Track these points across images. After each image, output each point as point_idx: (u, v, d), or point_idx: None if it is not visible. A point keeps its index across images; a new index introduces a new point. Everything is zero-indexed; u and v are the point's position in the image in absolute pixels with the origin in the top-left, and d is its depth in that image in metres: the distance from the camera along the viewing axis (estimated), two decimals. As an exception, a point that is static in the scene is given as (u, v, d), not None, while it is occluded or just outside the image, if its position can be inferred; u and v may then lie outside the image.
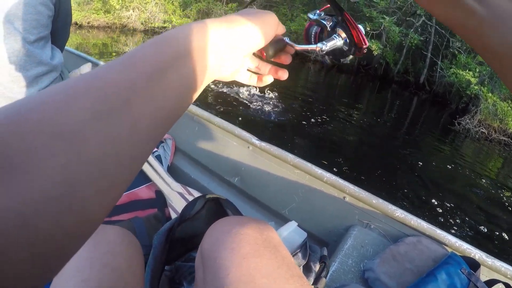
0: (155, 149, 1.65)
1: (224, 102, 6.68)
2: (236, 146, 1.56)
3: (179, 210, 1.42)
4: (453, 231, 3.80)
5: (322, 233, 1.35)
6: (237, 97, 7.08)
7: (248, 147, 1.52)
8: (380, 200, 1.27)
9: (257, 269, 0.54)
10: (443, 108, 11.62)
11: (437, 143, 7.87)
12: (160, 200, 1.47)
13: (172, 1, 15.82)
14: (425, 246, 1.21)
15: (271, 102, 7.13)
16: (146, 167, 1.50)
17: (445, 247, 1.24)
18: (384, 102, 11.04)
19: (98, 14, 14.82)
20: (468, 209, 4.67)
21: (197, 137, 1.69)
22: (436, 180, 5.54)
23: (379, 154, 6.02)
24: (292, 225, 1.09)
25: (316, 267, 0.98)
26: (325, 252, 1.05)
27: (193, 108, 1.71)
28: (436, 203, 4.50)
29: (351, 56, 0.55)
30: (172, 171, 1.64)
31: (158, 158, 1.61)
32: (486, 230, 4.13)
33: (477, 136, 9.28)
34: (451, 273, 1.09)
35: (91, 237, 0.62)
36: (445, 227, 3.78)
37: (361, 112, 8.09)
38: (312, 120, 6.85)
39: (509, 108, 9.60)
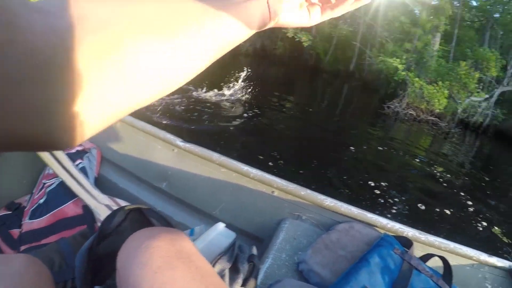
0: (80, 161, 1.61)
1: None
2: (161, 149, 1.55)
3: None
4: (393, 211, 4.00)
5: (255, 229, 1.37)
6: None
7: (173, 149, 1.51)
8: (309, 191, 1.30)
9: (169, 283, 0.53)
10: (372, 94, 12.49)
11: (369, 127, 8.31)
12: (88, 215, 1.45)
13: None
14: (357, 231, 1.24)
15: (197, 98, 6.95)
16: (70, 182, 1.47)
17: (378, 229, 1.28)
18: (316, 91, 11.49)
19: None
20: (403, 188, 4.94)
21: (122, 143, 1.66)
22: (371, 163, 5.79)
23: (314, 143, 6.10)
24: (219, 227, 1.10)
25: (245, 268, 0.99)
26: (254, 251, 1.07)
27: None
28: (373, 185, 4.69)
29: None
30: (100, 182, 1.61)
31: (83, 170, 1.58)
32: (424, 208, 4.39)
33: (406, 117, 10.18)
34: (384, 254, 1.11)
35: None
36: (383, 209, 3.96)
37: (293, 103, 8.23)
38: (244, 114, 6.78)
39: (434, 90, 10.47)
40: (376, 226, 1.29)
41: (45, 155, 1.53)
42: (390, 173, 5.39)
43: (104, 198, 1.48)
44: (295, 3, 0.45)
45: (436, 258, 1.18)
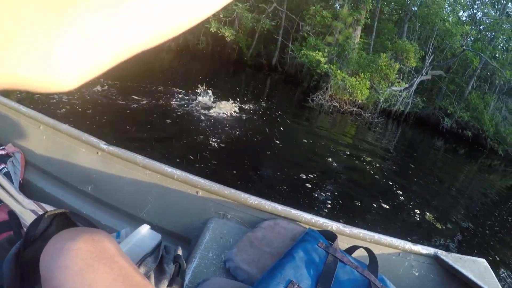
0: (3, 165, 1.53)
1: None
2: (85, 153, 1.51)
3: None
4: (320, 204, 4.07)
5: (182, 230, 1.38)
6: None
7: (97, 152, 1.48)
8: (232, 190, 1.33)
9: (91, 286, 0.53)
10: (295, 86, 12.94)
11: (294, 120, 8.50)
12: (13, 221, 1.38)
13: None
14: (282, 227, 1.27)
15: (109, 96, 6.53)
16: (-7, 188, 1.40)
17: (302, 225, 1.31)
18: (239, 85, 11.53)
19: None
20: (331, 180, 5.07)
21: (46, 147, 1.60)
22: (298, 156, 5.88)
23: (237, 138, 5.96)
24: (143, 229, 1.10)
25: (171, 268, 1.01)
26: (179, 252, 1.09)
27: (38, 116, 1.60)
28: (301, 179, 4.72)
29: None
30: (25, 187, 1.54)
31: (7, 175, 1.50)
32: (351, 199, 4.54)
33: (330, 110, 10.61)
34: (308, 249, 1.13)
35: None
36: (311, 202, 4.01)
37: (215, 97, 8.08)
38: (165, 111, 6.48)
39: (356, 82, 11.08)
40: (301, 222, 1.33)
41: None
42: (317, 166, 5.49)
43: (30, 203, 1.42)
44: None
45: (362, 249, 1.22)
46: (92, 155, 1.50)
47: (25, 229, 1.35)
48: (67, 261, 0.56)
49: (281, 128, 7.33)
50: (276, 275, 1.00)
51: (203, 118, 6.61)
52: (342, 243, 1.31)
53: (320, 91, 11.60)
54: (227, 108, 7.53)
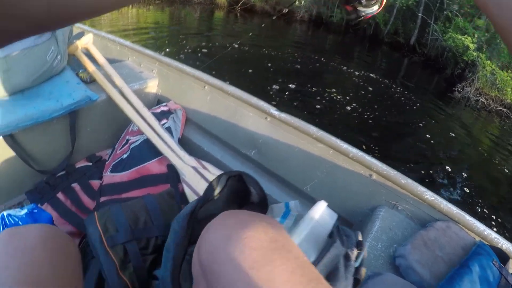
0: (165, 121, 1.55)
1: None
2: (252, 116, 1.46)
3: (193, 185, 1.34)
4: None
5: (346, 212, 1.26)
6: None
7: (266, 118, 1.42)
8: (409, 181, 1.18)
9: (269, 280, 0.46)
10: (436, 72, 11.23)
11: (434, 108, 7.57)
12: (172, 174, 1.38)
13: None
14: (454, 233, 1.15)
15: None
16: (156, 140, 1.41)
17: (472, 235, 1.18)
18: (374, 63, 10.65)
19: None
20: (467, 177, 4.57)
21: (210, 107, 1.59)
22: (437, 144, 5.39)
23: (372, 113, 5.79)
24: (322, 206, 0.96)
25: (353, 254, 0.86)
26: (360, 237, 0.93)
27: (204, 77, 1.60)
28: (436, 170, 4.39)
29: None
30: (183, 143, 1.54)
31: (168, 130, 1.51)
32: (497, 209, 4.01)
33: (477, 106, 8.93)
34: (484, 265, 1.03)
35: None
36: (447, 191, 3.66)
37: (351, 73, 7.72)
38: (303, 87, 6.51)
39: (508, 77, 9.35)
40: (473, 231, 1.18)
41: (130, 112, 1.48)
42: (456, 160, 5.03)
43: (190, 159, 1.40)
44: None
45: None
46: (260, 119, 1.44)
47: (183, 184, 1.33)
48: (237, 252, 0.50)
49: (418, 112, 6.74)
50: (454, 286, 0.94)
51: (336, 92, 6.45)
52: (511, 268, 1.13)
53: (465, 81, 9.98)
54: (362, 86, 7.23)
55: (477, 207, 3.92)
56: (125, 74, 1.66)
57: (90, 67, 1.54)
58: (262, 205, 1.01)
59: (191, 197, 1.33)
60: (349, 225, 1.27)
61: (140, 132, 1.49)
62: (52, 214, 1.34)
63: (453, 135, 6.19)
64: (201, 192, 1.32)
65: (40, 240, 0.62)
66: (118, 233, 1.00)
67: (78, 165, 1.54)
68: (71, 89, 1.39)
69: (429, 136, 5.69)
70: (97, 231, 0.99)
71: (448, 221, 1.16)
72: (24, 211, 1.07)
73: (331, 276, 0.77)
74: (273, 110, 1.39)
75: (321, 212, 0.92)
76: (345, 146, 1.25)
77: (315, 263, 0.75)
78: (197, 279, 0.58)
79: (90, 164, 1.55)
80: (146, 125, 1.45)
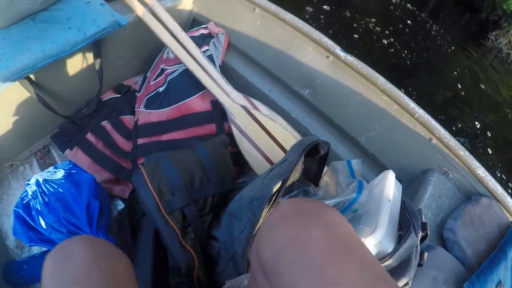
0: (206, 47, 1.32)
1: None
2: (311, 52, 1.26)
3: (243, 127, 1.17)
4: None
5: (397, 168, 1.20)
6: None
7: (328, 56, 1.23)
8: (467, 153, 1.19)
9: (335, 283, 0.44)
10: (469, 13, 10.29)
11: (462, 50, 6.96)
12: (217, 112, 1.19)
13: None
14: (494, 211, 1.21)
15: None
16: (199, 72, 1.19)
17: (508, 215, 1.24)
18: None
19: None
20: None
21: (259, 34, 1.35)
22: (461, 93, 5.08)
23: (392, 42, 5.42)
24: (392, 178, 0.87)
25: (419, 236, 0.77)
26: (422, 216, 0.83)
27: (255, 1, 1.34)
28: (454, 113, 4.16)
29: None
30: (224, 72, 1.33)
31: (211, 58, 1.28)
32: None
33: (509, 59, 8.29)
34: None
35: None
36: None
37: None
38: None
39: None
40: (509, 211, 1.24)
41: (165, 36, 1.24)
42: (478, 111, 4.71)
43: (239, 97, 1.20)
44: None
45: None
46: (321, 58, 1.26)
47: (231, 124, 1.15)
48: (302, 253, 0.48)
49: (443, 54, 6.22)
50: (492, 271, 1.02)
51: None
52: None
53: (499, 30, 9.21)
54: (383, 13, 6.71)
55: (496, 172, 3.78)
56: None
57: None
58: (323, 161, 1.00)
59: (240, 140, 1.17)
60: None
61: (177, 61, 1.27)
62: (84, 160, 1.19)
63: (482, 87, 5.82)
64: (251, 134, 1.16)
65: (93, 260, 0.57)
66: (174, 197, 0.86)
67: (105, 97, 1.35)
68: (94, 13, 1.11)
69: (454, 83, 5.34)
70: (151, 196, 0.85)
71: (491, 198, 1.20)
72: (61, 172, 0.92)
73: (403, 265, 0.73)
74: (338, 50, 1.21)
75: (393, 187, 0.84)
76: (412, 105, 1.19)
77: (392, 254, 0.70)
78: (255, 273, 0.55)
79: (119, 96, 1.35)
80: (185, 52, 1.22)
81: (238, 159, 1.21)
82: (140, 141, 1.18)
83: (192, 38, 1.30)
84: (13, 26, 1.03)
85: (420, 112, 1.18)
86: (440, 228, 1.10)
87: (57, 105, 1.18)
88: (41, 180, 0.89)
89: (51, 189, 0.89)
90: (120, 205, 1.22)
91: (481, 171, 1.18)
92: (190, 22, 1.53)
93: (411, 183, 1.22)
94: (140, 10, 1.25)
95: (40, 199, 0.87)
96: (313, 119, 1.34)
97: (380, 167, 1.29)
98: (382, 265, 0.68)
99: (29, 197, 0.89)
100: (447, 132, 1.19)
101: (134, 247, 0.98)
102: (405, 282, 0.69)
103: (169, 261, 0.89)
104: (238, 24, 1.40)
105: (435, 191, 1.14)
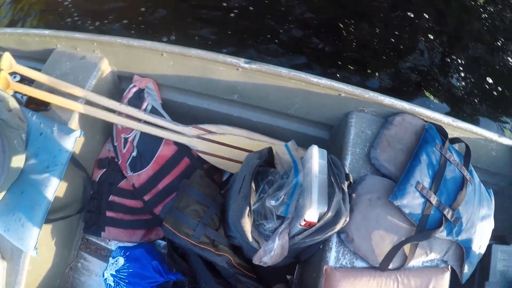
0: (145, 102, 1.58)
1: None
2: (224, 70, 1.52)
3: (204, 149, 1.53)
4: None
5: (326, 118, 1.58)
6: None
7: (237, 69, 1.50)
8: (371, 93, 1.47)
9: None
10: None
11: None
12: (183, 148, 1.55)
13: None
14: (408, 123, 1.46)
15: None
16: (150, 130, 1.50)
17: (423, 118, 1.51)
18: None
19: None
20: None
21: (176, 70, 1.60)
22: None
23: None
24: (315, 152, 1.22)
25: (346, 187, 1.16)
26: (346, 168, 1.24)
27: (157, 46, 1.54)
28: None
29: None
30: (166, 108, 1.64)
31: (154, 110, 1.57)
32: None
33: None
34: (429, 152, 1.32)
35: None
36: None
37: None
38: None
39: None
40: (422, 117, 1.51)
41: (109, 116, 1.51)
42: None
43: (190, 130, 1.52)
44: None
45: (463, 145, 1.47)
46: (233, 71, 1.51)
47: (199, 154, 1.49)
48: None
49: None
50: (409, 178, 1.24)
51: None
52: (450, 136, 1.50)
53: None
54: None
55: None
56: (70, 69, 1.58)
57: (38, 93, 1.44)
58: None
59: (208, 158, 1.55)
60: (330, 128, 1.64)
61: (131, 128, 1.57)
62: (118, 232, 1.56)
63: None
64: (213, 152, 1.54)
65: None
66: (195, 232, 1.26)
67: (96, 177, 1.67)
68: (53, 142, 1.33)
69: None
70: (182, 239, 1.25)
71: (403, 114, 1.48)
72: (121, 259, 1.31)
73: (337, 214, 1.11)
74: (243, 63, 1.46)
75: (317, 162, 1.19)
76: (315, 79, 1.46)
77: (327, 212, 1.08)
78: None
79: (105, 169, 1.67)
80: (132, 122, 1.51)
81: (215, 168, 1.60)
82: (146, 197, 1.55)
83: (129, 100, 1.59)
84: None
85: (323, 81, 1.45)
86: (369, 158, 1.40)
87: (66, 210, 1.50)
88: (114, 273, 1.30)
89: (125, 273, 1.30)
90: (159, 243, 1.66)
91: (387, 100, 1.47)
92: (117, 80, 1.76)
93: (338, 128, 1.56)
94: (78, 107, 1.46)
95: (123, 284, 1.29)
96: (249, 110, 1.66)
97: (315, 124, 1.67)
98: (324, 219, 1.07)
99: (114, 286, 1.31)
100: (350, 86, 1.47)
101: (189, 269, 1.40)
102: (342, 221, 1.10)
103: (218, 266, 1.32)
104: (157, 68, 1.62)
105: (357, 129, 1.44)
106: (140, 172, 1.54)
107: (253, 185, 1.18)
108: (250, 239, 1.15)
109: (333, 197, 1.09)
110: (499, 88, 3.90)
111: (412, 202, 1.22)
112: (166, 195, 1.54)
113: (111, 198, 1.60)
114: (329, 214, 1.08)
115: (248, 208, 1.12)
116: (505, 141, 1.65)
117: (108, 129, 1.72)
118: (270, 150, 1.31)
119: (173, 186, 1.54)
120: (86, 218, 1.60)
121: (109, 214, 1.58)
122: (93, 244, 1.70)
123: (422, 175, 1.27)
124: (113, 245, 1.66)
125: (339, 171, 1.20)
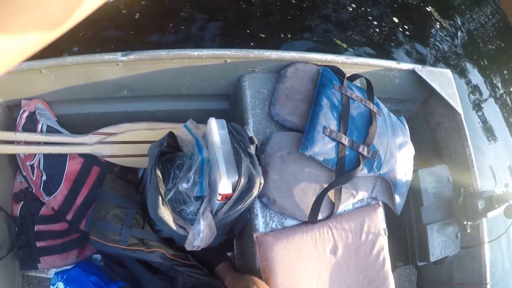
0: (39, 124, 1.51)
1: None
2: (103, 70, 1.47)
3: (110, 152, 1.51)
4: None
5: (220, 89, 1.57)
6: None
7: (117, 64, 1.45)
8: (256, 51, 1.45)
9: None
10: None
11: None
12: (89, 157, 1.52)
13: None
14: (302, 71, 1.44)
15: None
16: (51, 150, 1.46)
17: (317, 63, 1.51)
18: None
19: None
20: None
21: (60, 83, 1.53)
22: None
23: None
24: (212, 123, 1.22)
25: (252, 150, 1.17)
26: (250, 131, 1.24)
27: (33, 64, 1.44)
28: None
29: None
30: (63, 123, 1.60)
31: (50, 129, 1.52)
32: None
33: None
34: (329, 95, 1.32)
35: None
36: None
37: None
38: None
39: None
40: (315, 63, 1.51)
41: (6, 148, 1.46)
42: None
43: (91, 138, 1.49)
44: None
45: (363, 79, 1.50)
46: (114, 68, 1.45)
47: (106, 158, 1.47)
48: None
49: None
50: (315, 125, 1.24)
51: None
52: (348, 74, 1.53)
53: None
54: None
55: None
56: None
57: None
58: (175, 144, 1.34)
59: (117, 160, 1.54)
60: (228, 97, 1.65)
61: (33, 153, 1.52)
62: (54, 259, 1.55)
63: None
64: (119, 152, 1.53)
65: None
66: (121, 235, 1.26)
67: (15, 212, 1.61)
68: None
69: None
70: (111, 247, 1.24)
71: (295, 64, 1.47)
72: (61, 286, 1.34)
73: (250, 179, 1.12)
74: (121, 57, 1.41)
75: (217, 131, 1.20)
76: (196, 53, 1.41)
77: (239, 180, 1.08)
78: None
79: (22, 202, 1.61)
80: (31, 147, 1.47)
81: (127, 168, 1.60)
82: (68, 216, 1.52)
83: (23, 127, 1.52)
84: None
85: (204, 52, 1.42)
86: (271, 116, 1.38)
87: None
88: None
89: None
90: (95, 257, 1.67)
91: (274, 54, 1.46)
92: (8, 111, 1.68)
93: (235, 95, 1.56)
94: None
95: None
96: (145, 102, 1.65)
97: (212, 97, 1.67)
98: (238, 188, 1.08)
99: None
100: (233, 50, 1.44)
101: (129, 274, 1.40)
102: (257, 185, 1.12)
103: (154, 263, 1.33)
104: (41, 86, 1.54)
105: (252, 90, 1.43)
106: (55, 194, 1.51)
107: (159, 173, 1.17)
108: (174, 227, 1.15)
109: (241, 163, 1.10)
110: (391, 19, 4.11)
111: (323, 148, 1.22)
112: (86, 209, 1.52)
113: (37, 228, 1.55)
114: (242, 181, 1.09)
115: (160, 198, 1.11)
116: (404, 66, 1.69)
117: (14, 162, 1.65)
118: (170, 134, 1.29)
119: (90, 197, 1.52)
120: (19, 255, 1.55)
121: (39, 244, 1.54)
122: (34, 278, 1.66)
123: (328, 119, 1.26)
124: (53, 274, 1.63)
125: (241, 136, 1.20)
